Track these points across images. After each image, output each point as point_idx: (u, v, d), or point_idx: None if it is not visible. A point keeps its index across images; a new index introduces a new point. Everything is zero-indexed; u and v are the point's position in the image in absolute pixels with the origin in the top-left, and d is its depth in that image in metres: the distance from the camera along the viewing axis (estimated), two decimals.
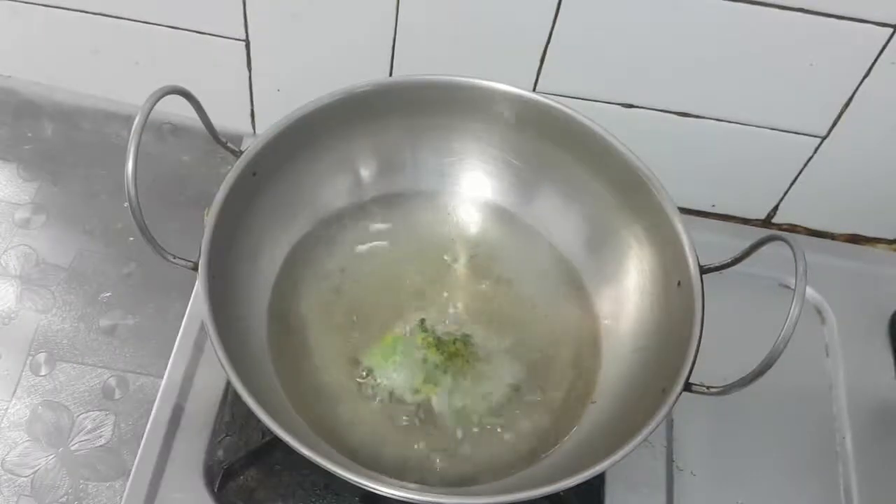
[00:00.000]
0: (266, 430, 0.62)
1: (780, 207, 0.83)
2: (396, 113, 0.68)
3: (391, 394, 0.62)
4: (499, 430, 0.62)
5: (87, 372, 0.69)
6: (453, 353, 0.64)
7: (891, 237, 0.84)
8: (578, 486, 0.51)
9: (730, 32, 0.67)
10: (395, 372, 0.63)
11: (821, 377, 0.74)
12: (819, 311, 0.78)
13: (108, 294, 0.73)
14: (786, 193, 0.81)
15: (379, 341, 0.64)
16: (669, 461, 0.68)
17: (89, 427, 0.67)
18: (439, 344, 0.64)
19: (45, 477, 0.64)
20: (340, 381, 0.63)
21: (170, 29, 0.76)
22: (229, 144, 0.62)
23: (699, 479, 0.68)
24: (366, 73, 0.68)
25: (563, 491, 0.51)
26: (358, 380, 0.63)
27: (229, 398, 0.66)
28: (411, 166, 0.71)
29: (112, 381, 0.69)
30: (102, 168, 0.81)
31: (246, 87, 0.80)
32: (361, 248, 0.70)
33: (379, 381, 0.63)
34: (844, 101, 0.71)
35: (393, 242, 0.70)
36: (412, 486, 0.58)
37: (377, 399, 0.62)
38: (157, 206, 0.77)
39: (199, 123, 0.60)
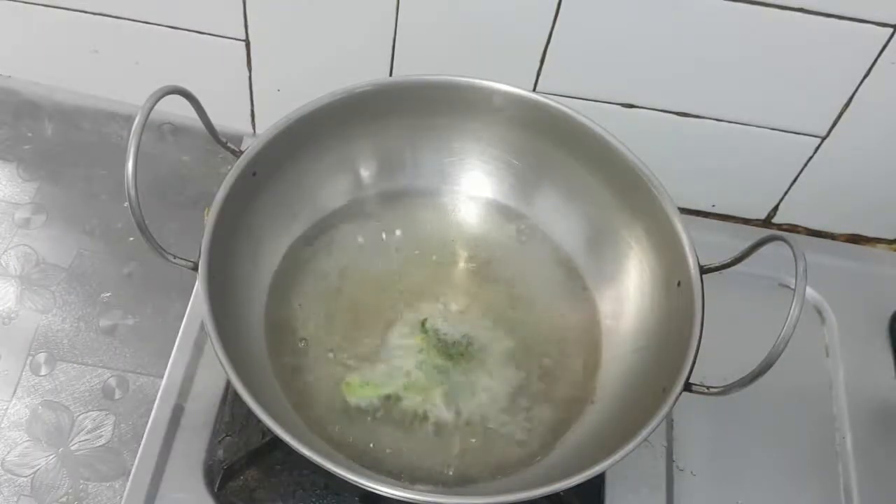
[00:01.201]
0: (266, 430, 0.62)
1: (780, 207, 0.83)
2: (396, 113, 0.68)
3: (390, 394, 0.62)
4: (499, 429, 0.62)
5: (88, 372, 0.69)
6: (453, 353, 0.64)
7: (891, 237, 0.84)
8: (579, 486, 0.51)
9: (730, 32, 0.67)
10: (393, 376, 0.63)
11: (821, 377, 0.74)
12: (819, 311, 0.78)
13: (108, 294, 0.73)
14: (786, 193, 0.81)
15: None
16: (669, 461, 0.68)
17: (89, 427, 0.67)
18: (439, 344, 0.64)
19: (45, 477, 0.64)
20: (340, 381, 0.63)
21: (170, 29, 0.76)
22: (229, 144, 0.62)
23: (699, 479, 0.68)
24: (366, 73, 0.68)
25: (563, 491, 0.51)
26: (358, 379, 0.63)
27: (229, 398, 0.66)
28: (411, 166, 0.71)
29: (112, 381, 0.69)
30: (102, 168, 0.81)
31: (246, 87, 0.80)
32: (361, 248, 0.70)
33: (379, 381, 0.63)
34: (844, 101, 0.71)
35: (393, 243, 0.70)
36: (412, 485, 0.58)
37: (377, 399, 0.62)
38: (157, 206, 0.77)
39: (199, 123, 0.60)
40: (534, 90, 0.73)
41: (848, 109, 0.72)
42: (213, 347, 0.52)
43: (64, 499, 0.64)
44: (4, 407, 0.67)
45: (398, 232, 0.71)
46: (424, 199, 0.72)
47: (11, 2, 0.76)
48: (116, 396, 0.68)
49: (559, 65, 0.72)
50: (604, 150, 0.65)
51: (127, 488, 0.62)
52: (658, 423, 0.53)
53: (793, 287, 0.51)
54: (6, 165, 0.80)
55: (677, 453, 0.69)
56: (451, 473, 0.60)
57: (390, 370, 0.63)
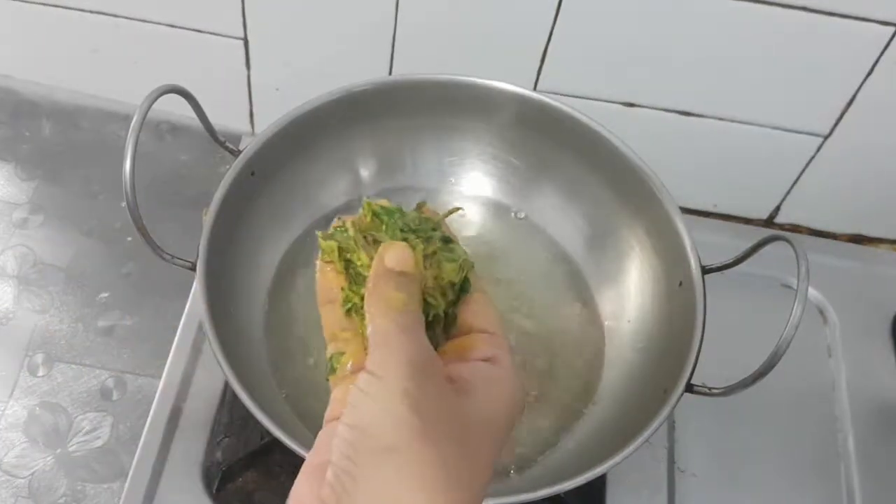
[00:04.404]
0: (265, 432, 0.61)
1: (782, 207, 0.82)
2: (396, 113, 0.67)
3: None
4: None
5: (85, 373, 0.69)
6: None
7: (893, 237, 0.84)
8: (579, 487, 0.51)
9: (732, 31, 0.67)
10: None
11: (823, 378, 0.74)
12: (821, 312, 0.77)
13: (106, 294, 0.73)
14: (788, 193, 0.81)
15: None
16: (671, 462, 0.68)
17: (87, 428, 0.66)
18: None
19: (43, 478, 0.64)
20: None
21: (169, 28, 0.76)
22: (228, 144, 0.62)
23: (701, 481, 0.67)
24: (365, 72, 0.68)
25: (564, 492, 0.51)
26: None
27: (227, 399, 0.66)
28: (411, 166, 0.71)
29: (110, 382, 0.69)
30: (100, 168, 0.80)
31: (245, 86, 0.80)
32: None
33: None
34: (847, 100, 0.71)
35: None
36: None
37: None
38: (155, 205, 0.76)
39: (197, 123, 0.59)
40: (534, 89, 0.72)
41: (850, 108, 0.71)
42: (212, 348, 0.52)
43: (62, 500, 0.63)
44: (2, 408, 0.67)
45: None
46: (424, 200, 0.71)
47: (11, 1, 0.76)
48: (114, 397, 0.68)
49: (560, 64, 0.72)
50: (605, 150, 0.64)
51: (125, 490, 0.62)
52: (659, 424, 0.52)
53: (795, 287, 0.51)
54: (4, 165, 0.80)
55: (679, 455, 0.68)
56: None
57: None
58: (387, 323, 0.34)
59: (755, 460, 0.69)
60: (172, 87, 0.55)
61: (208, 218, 0.57)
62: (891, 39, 0.66)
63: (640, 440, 0.52)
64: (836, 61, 0.68)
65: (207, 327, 0.53)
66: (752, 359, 0.51)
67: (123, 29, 0.76)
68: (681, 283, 0.60)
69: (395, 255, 0.36)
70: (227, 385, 0.66)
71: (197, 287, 0.55)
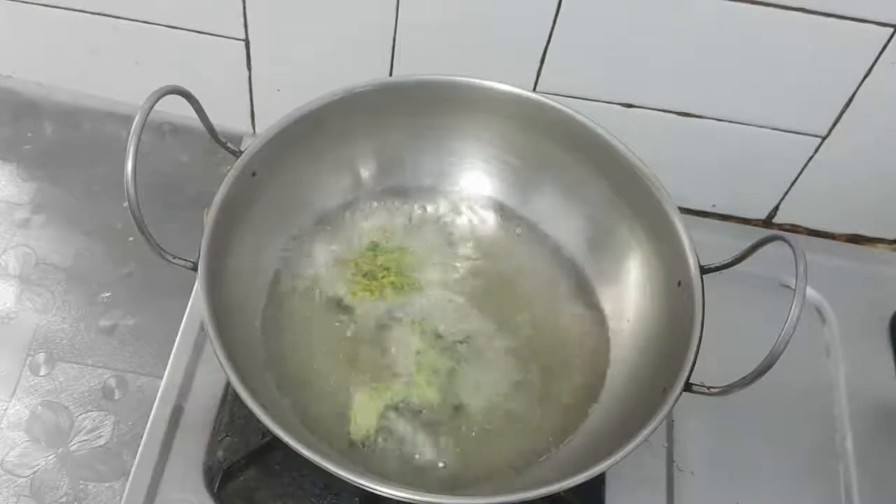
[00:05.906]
0: (266, 431, 0.62)
1: (780, 207, 0.83)
2: (396, 113, 0.68)
3: (391, 394, 0.62)
4: (499, 430, 0.62)
5: (87, 372, 0.69)
6: (454, 354, 0.64)
7: (891, 237, 0.84)
8: (579, 486, 0.51)
9: (730, 31, 0.67)
10: (393, 378, 0.63)
11: (821, 377, 0.74)
12: (819, 312, 0.78)
13: (107, 294, 0.73)
14: (786, 193, 0.81)
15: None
16: (670, 461, 0.68)
17: (89, 427, 0.67)
18: (439, 345, 0.64)
19: (45, 477, 0.64)
20: (340, 381, 0.63)
21: (169, 28, 0.76)
22: (229, 144, 0.62)
23: (699, 480, 0.68)
24: (366, 72, 0.68)
25: (563, 491, 0.51)
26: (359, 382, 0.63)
27: (229, 398, 0.66)
28: (411, 166, 0.71)
29: (112, 382, 0.69)
30: (102, 168, 0.80)
31: (246, 86, 0.80)
32: (361, 247, 0.69)
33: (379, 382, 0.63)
34: (845, 100, 0.71)
35: (393, 242, 0.70)
36: (412, 486, 0.58)
37: (377, 399, 0.62)
38: (156, 206, 0.76)
39: (198, 123, 0.59)
40: (534, 90, 0.73)
41: (848, 109, 0.72)
42: (213, 348, 0.52)
43: (63, 499, 0.63)
44: (4, 407, 0.67)
45: (398, 232, 0.70)
46: (424, 199, 0.72)
47: (11, 2, 0.76)
48: (116, 397, 0.68)
49: (559, 64, 0.72)
50: (604, 150, 0.64)
51: (126, 489, 0.62)
52: (658, 423, 0.53)
53: (793, 287, 0.51)
54: (5, 165, 0.80)
55: (677, 454, 0.68)
56: (451, 473, 0.60)
57: (389, 375, 0.63)
58: None
59: (753, 459, 0.69)
60: (174, 88, 0.55)
61: (209, 218, 0.57)
62: (889, 40, 0.66)
63: (639, 439, 0.52)
64: (834, 62, 0.68)
65: (209, 327, 0.53)
66: (751, 358, 0.52)
67: (124, 29, 0.76)
68: (680, 283, 0.60)
69: None
70: (228, 384, 0.67)
71: (198, 287, 0.55)
